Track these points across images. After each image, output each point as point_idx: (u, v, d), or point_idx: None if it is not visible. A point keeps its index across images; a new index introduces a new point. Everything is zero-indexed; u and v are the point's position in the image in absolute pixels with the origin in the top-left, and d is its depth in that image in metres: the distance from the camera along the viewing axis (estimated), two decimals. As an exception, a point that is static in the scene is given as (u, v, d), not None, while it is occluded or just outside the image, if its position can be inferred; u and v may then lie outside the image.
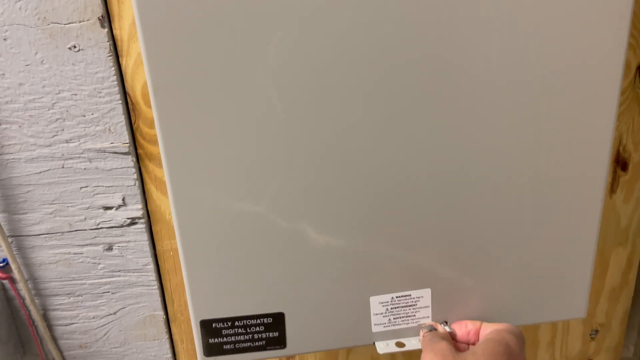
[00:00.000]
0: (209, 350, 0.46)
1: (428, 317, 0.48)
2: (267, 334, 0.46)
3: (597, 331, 0.73)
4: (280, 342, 0.47)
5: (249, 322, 0.46)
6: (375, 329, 0.48)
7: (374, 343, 0.48)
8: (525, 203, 0.46)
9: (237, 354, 0.47)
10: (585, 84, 0.43)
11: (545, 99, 0.43)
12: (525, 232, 0.47)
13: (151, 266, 0.61)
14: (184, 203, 0.42)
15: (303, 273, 0.45)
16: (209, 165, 0.41)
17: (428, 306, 0.48)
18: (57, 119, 0.54)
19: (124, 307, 0.62)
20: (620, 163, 0.64)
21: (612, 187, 0.65)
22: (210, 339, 0.46)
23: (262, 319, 0.46)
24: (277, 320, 0.46)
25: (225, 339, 0.46)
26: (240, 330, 0.46)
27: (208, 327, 0.45)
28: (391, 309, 0.47)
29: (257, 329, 0.46)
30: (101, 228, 0.58)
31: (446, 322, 0.49)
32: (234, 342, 0.46)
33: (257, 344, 0.47)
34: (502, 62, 0.41)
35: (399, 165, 0.43)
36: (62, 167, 0.56)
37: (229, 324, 0.46)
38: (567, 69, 0.42)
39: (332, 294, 0.46)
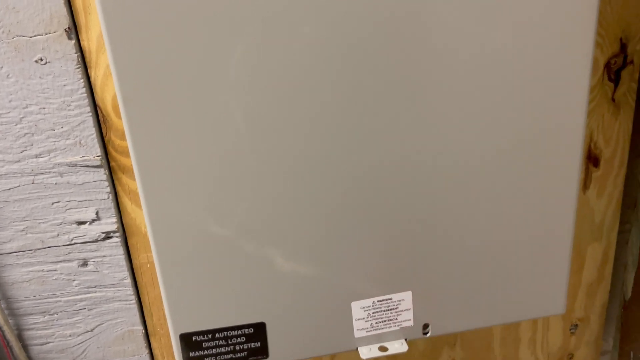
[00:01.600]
0: (189, 364, 0.45)
1: (410, 319, 0.48)
2: (249, 344, 0.46)
3: (576, 326, 0.74)
4: (262, 352, 0.46)
5: (229, 333, 0.45)
6: (357, 334, 0.47)
7: (357, 349, 0.48)
8: (501, 203, 0.46)
9: (218, 366, 0.46)
10: (554, 83, 0.43)
11: (516, 100, 0.43)
12: (501, 232, 0.47)
13: (128, 280, 0.60)
14: (158, 216, 0.41)
15: (282, 282, 0.45)
16: (180, 179, 0.40)
17: (410, 309, 0.48)
18: (25, 134, 0.52)
19: (102, 324, 0.61)
20: (592, 159, 0.65)
21: (585, 184, 0.66)
22: (190, 353, 0.45)
23: (243, 330, 0.45)
24: (258, 330, 0.46)
25: (206, 352, 0.45)
26: (221, 342, 0.45)
27: (188, 341, 0.45)
28: (373, 313, 0.47)
29: (239, 339, 0.46)
30: (75, 243, 0.57)
31: (427, 325, 0.49)
32: (216, 355, 0.46)
33: (238, 355, 0.46)
34: (472, 63, 0.41)
35: (374, 169, 0.43)
36: (32, 183, 0.54)
37: (210, 336, 0.45)
38: (536, 69, 0.43)
39: (313, 301, 0.46)
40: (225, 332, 0.45)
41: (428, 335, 0.49)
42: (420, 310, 0.48)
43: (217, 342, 0.45)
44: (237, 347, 0.46)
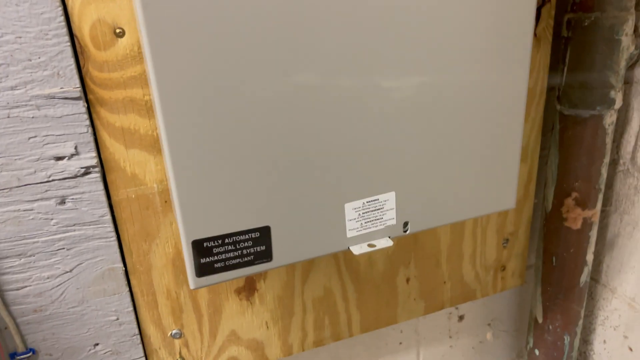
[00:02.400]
0: (201, 270, 0.48)
1: (393, 218, 0.54)
2: (255, 248, 0.49)
3: (507, 240, 0.85)
4: (267, 255, 0.50)
5: (238, 238, 0.48)
6: (349, 234, 0.53)
7: (349, 248, 0.53)
8: (464, 117, 0.54)
9: (228, 271, 0.49)
10: (504, 27, 0.51)
11: (472, 48, 0.51)
12: (465, 141, 0.55)
13: (108, 217, 0.60)
14: (174, 127, 0.43)
15: (284, 188, 0.49)
16: (195, 88, 0.43)
17: (393, 208, 0.54)
18: (0, 65, 0.51)
19: (81, 263, 0.61)
20: (518, 89, 0.75)
21: (514, 111, 0.76)
22: (202, 259, 0.48)
23: (250, 234, 0.49)
24: (264, 234, 0.49)
25: (216, 257, 0.48)
26: (230, 247, 0.48)
27: (199, 247, 0.47)
28: (362, 213, 0.52)
29: (246, 244, 0.49)
30: (53, 180, 0.57)
31: (407, 223, 0.55)
32: (225, 260, 0.49)
33: (246, 259, 0.49)
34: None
35: (359, 93, 0.48)
36: (8, 117, 0.53)
37: (220, 241, 0.48)
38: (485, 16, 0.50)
39: (311, 206, 0.50)
40: (234, 237, 0.48)
41: (407, 232, 0.55)
42: (401, 209, 0.54)
43: (226, 247, 0.48)
44: (245, 252, 0.49)
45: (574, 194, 0.77)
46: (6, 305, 0.60)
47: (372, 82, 0.49)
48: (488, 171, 0.57)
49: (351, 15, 0.45)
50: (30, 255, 0.59)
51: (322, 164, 0.49)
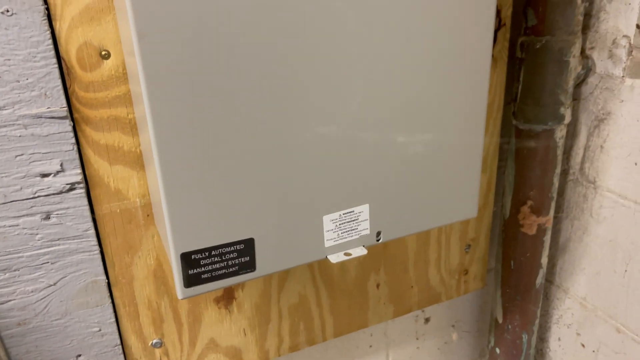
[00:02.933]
0: (189, 281, 0.51)
1: (367, 228, 0.58)
2: (240, 259, 0.53)
3: (469, 245, 0.90)
4: (251, 265, 0.53)
5: (223, 249, 0.51)
6: (327, 243, 0.56)
7: (327, 257, 0.57)
8: (428, 134, 0.58)
9: (214, 281, 0.52)
10: (465, 44, 0.56)
11: (434, 62, 0.56)
12: (431, 158, 0.59)
13: (92, 231, 0.62)
14: (165, 146, 0.46)
15: (268, 201, 0.52)
16: (187, 104, 0.46)
17: (367, 219, 0.58)
18: (-12, 86, 0.53)
19: (65, 277, 0.63)
20: (478, 105, 0.81)
21: (474, 125, 0.82)
22: (190, 270, 0.51)
23: (235, 246, 0.52)
24: (248, 246, 0.53)
25: (203, 269, 0.51)
26: (216, 259, 0.51)
27: (188, 259, 0.50)
28: (339, 224, 0.56)
29: (231, 255, 0.52)
30: (38, 197, 0.58)
31: (380, 232, 0.59)
32: (211, 271, 0.52)
33: (231, 269, 0.52)
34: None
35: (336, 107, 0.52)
36: (-5, 136, 0.55)
37: (207, 253, 0.51)
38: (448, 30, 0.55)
39: (292, 218, 0.54)
40: (220, 249, 0.51)
41: (380, 241, 0.60)
42: (375, 220, 0.58)
43: (212, 258, 0.51)
44: (230, 263, 0.52)
45: (529, 202, 0.83)
46: (-10, 320, 0.61)
47: (344, 103, 0.53)
48: (452, 183, 0.62)
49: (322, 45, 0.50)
50: (14, 270, 0.60)
51: (302, 179, 0.53)
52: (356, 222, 0.57)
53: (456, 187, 0.63)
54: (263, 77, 0.48)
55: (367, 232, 0.58)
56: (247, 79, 0.47)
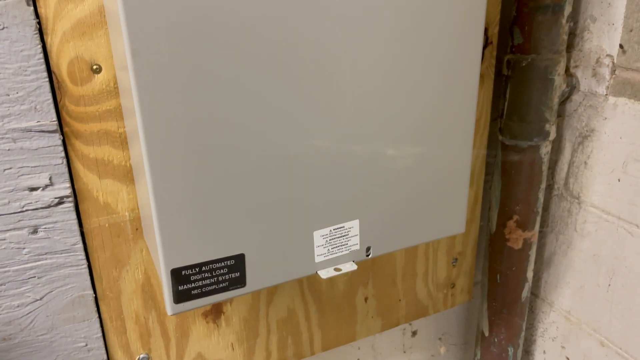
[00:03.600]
0: (178, 297, 0.51)
1: (357, 244, 0.58)
2: (230, 275, 0.53)
3: (456, 259, 0.91)
4: (241, 281, 0.53)
5: (214, 265, 0.51)
6: (317, 259, 0.57)
7: (317, 272, 0.57)
8: (417, 150, 0.59)
9: (204, 297, 0.52)
10: (453, 62, 0.57)
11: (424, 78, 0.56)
12: (419, 174, 0.60)
13: (79, 245, 0.61)
14: (157, 161, 0.46)
15: (259, 217, 0.52)
16: (179, 119, 0.46)
17: (357, 235, 0.58)
18: (-22, 99, 0.52)
19: (52, 291, 0.62)
20: (465, 121, 0.82)
21: (461, 141, 0.83)
22: (180, 286, 0.51)
23: (225, 262, 0.52)
24: (238, 261, 0.53)
25: (193, 284, 0.51)
26: (206, 275, 0.51)
27: (178, 275, 0.50)
28: (329, 240, 0.57)
29: (222, 271, 0.52)
30: (26, 210, 0.58)
31: (369, 247, 0.60)
32: (201, 287, 0.52)
33: (221, 285, 0.52)
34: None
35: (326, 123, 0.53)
36: (-17, 150, 0.54)
37: (197, 269, 0.51)
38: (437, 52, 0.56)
39: (283, 233, 0.54)
40: (210, 265, 0.51)
41: (370, 256, 0.60)
42: (364, 235, 0.59)
43: (203, 274, 0.51)
44: (220, 278, 0.52)
45: (515, 217, 0.84)
46: (-26, 335, 0.60)
47: (333, 119, 0.53)
48: (441, 199, 0.63)
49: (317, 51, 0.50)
50: (0, 284, 0.59)
51: (293, 195, 0.53)
52: (346, 238, 0.58)
53: (445, 203, 0.63)
54: (254, 94, 0.48)
55: (357, 247, 0.59)
56: (239, 96, 0.48)
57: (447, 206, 0.64)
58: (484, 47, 0.79)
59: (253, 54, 0.47)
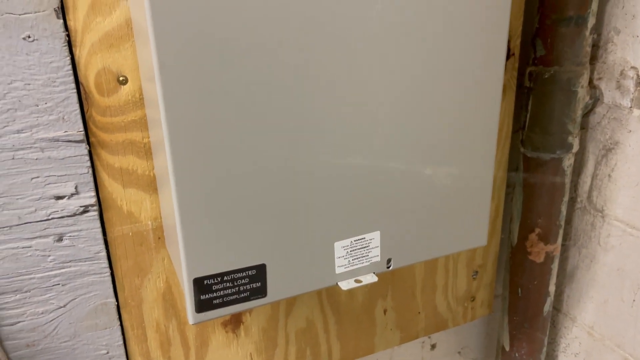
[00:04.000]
0: (200, 306, 0.51)
1: (378, 255, 0.58)
2: (251, 285, 0.53)
3: (477, 272, 0.90)
4: (262, 291, 0.54)
5: (235, 275, 0.52)
6: (338, 270, 0.57)
7: (337, 283, 0.57)
8: (440, 163, 0.59)
9: (225, 307, 0.52)
10: (475, 75, 0.57)
11: (448, 92, 0.56)
12: (442, 185, 0.60)
13: (103, 253, 0.62)
14: (182, 168, 0.47)
15: (281, 228, 0.52)
16: (207, 132, 0.47)
17: (378, 246, 0.58)
18: (8, 109, 0.54)
19: (75, 299, 0.63)
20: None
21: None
22: (202, 296, 0.51)
23: (247, 272, 0.52)
24: (260, 271, 0.53)
25: (215, 294, 0.51)
26: (228, 284, 0.52)
27: (200, 284, 0.50)
28: (350, 251, 0.57)
29: (243, 281, 0.52)
30: (52, 219, 0.59)
31: (390, 259, 0.59)
32: (223, 296, 0.52)
33: (242, 295, 0.53)
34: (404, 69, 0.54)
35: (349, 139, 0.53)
36: (12, 159, 0.55)
37: (219, 279, 0.51)
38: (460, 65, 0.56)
39: (305, 244, 0.54)
40: (232, 275, 0.52)
41: (390, 268, 0.60)
42: (385, 247, 0.59)
43: (224, 284, 0.52)
44: (241, 288, 0.52)
45: (537, 230, 0.83)
46: (0, 341, 0.61)
47: (357, 133, 0.53)
48: (462, 212, 0.62)
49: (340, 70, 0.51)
50: (25, 291, 0.60)
51: (315, 206, 0.53)
52: (367, 249, 0.57)
53: (466, 216, 0.63)
54: (280, 107, 0.49)
55: (378, 259, 0.59)
56: (264, 109, 0.48)
57: (468, 218, 0.63)
58: (506, 59, 0.79)
59: (281, 66, 0.48)
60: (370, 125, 0.54)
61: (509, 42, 0.78)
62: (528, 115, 0.80)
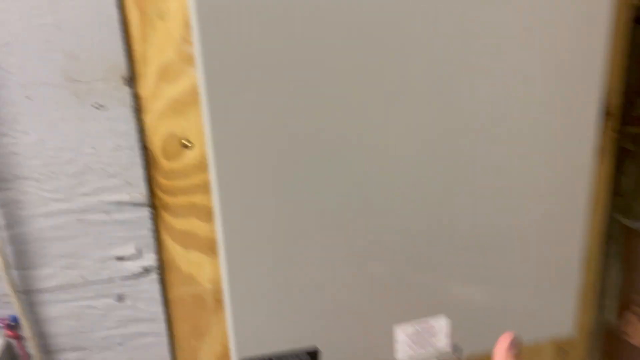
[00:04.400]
0: (248, 389, 0.48)
1: (444, 341, 0.53)
2: (303, 370, 0.49)
3: (565, 351, 0.81)
4: (314, 377, 0.50)
5: (286, 358, 0.49)
6: (398, 356, 0.52)
7: (398, 372, 0.52)
8: (518, 240, 0.53)
9: (274, 391, 0.49)
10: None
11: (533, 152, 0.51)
12: (521, 266, 0.54)
13: (162, 315, 0.62)
14: (234, 241, 0.45)
15: (335, 310, 0.49)
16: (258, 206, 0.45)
17: (444, 332, 0.53)
18: (76, 174, 0.55)
19: (132, 358, 0.62)
20: (578, 198, 0.73)
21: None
22: (250, 379, 0.48)
23: (298, 357, 0.49)
24: (312, 357, 0.49)
25: (264, 378, 0.49)
26: (278, 369, 0.49)
27: (248, 367, 0.48)
28: (413, 336, 0.52)
29: (294, 366, 0.49)
30: (114, 279, 0.59)
31: (459, 347, 0.54)
32: (272, 381, 0.49)
33: (292, 380, 0.49)
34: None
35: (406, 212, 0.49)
36: (79, 221, 0.56)
37: (268, 362, 0.48)
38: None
39: (360, 327, 0.50)
40: (282, 357, 0.49)
41: (460, 358, 0.54)
42: (453, 333, 0.53)
43: (274, 368, 0.49)
44: (292, 373, 0.49)
45: (637, 309, 0.73)
46: (59, 397, 0.61)
47: (424, 204, 0.49)
48: (544, 296, 0.56)
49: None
50: (85, 349, 0.61)
51: (371, 290, 0.49)
52: (432, 335, 0.52)
53: (549, 300, 0.56)
54: (336, 180, 0.46)
55: (444, 345, 0.53)
56: (320, 183, 0.46)
57: (552, 304, 0.56)
58: (603, 119, 0.71)
59: (342, 135, 0.45)
60: (442, 193, 0.49)
61: (607, 100, 0.70)
62: (628, 181, 0.71)
